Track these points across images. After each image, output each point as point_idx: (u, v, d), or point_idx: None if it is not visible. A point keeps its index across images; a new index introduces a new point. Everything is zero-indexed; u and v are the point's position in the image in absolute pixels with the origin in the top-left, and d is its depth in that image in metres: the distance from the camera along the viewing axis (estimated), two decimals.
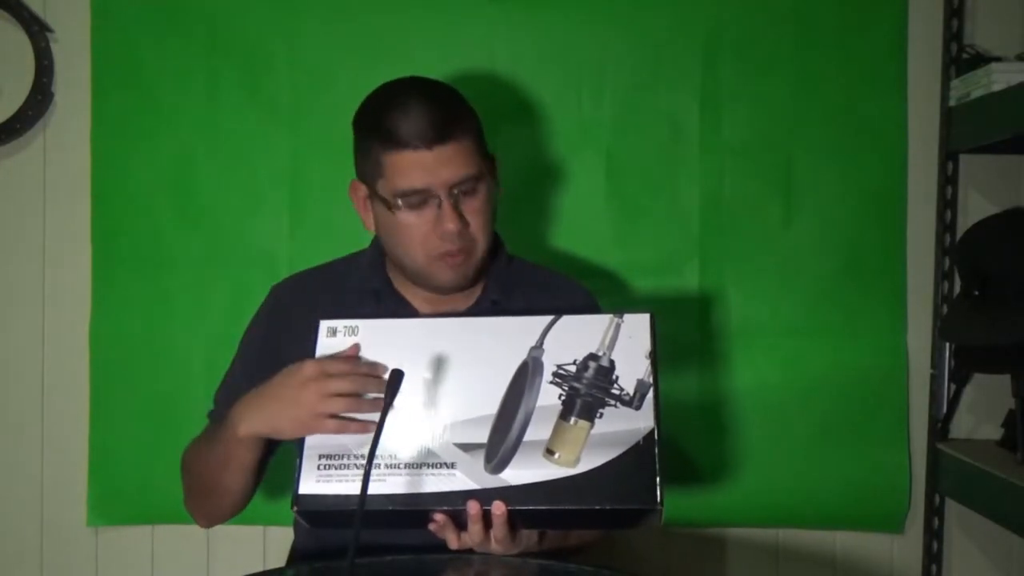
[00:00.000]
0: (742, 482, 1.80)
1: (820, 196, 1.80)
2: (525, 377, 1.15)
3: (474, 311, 1.35)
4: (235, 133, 1.79)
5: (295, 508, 1.11)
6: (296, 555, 1.47)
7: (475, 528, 1.10)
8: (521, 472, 1.09)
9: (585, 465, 1.09)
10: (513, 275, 1.39)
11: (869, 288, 1.81)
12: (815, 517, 1.83)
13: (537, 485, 1.09)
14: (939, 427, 1.82)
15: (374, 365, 1.16)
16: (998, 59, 1.69)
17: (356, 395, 1.14)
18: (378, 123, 1.26)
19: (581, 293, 1.42)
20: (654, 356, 1.16)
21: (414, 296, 1.36)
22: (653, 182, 1.80)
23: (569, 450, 1.10)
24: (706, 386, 1.80)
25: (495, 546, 1.13)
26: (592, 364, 1.16)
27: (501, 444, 1.11)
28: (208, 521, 1.41)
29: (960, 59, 1.78)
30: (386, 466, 1.10)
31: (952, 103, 1.77)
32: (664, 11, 1.78)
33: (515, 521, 1.11)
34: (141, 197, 1.80)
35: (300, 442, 1.13)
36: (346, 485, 1.10)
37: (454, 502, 1.09)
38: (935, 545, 1.83)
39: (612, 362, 1.16)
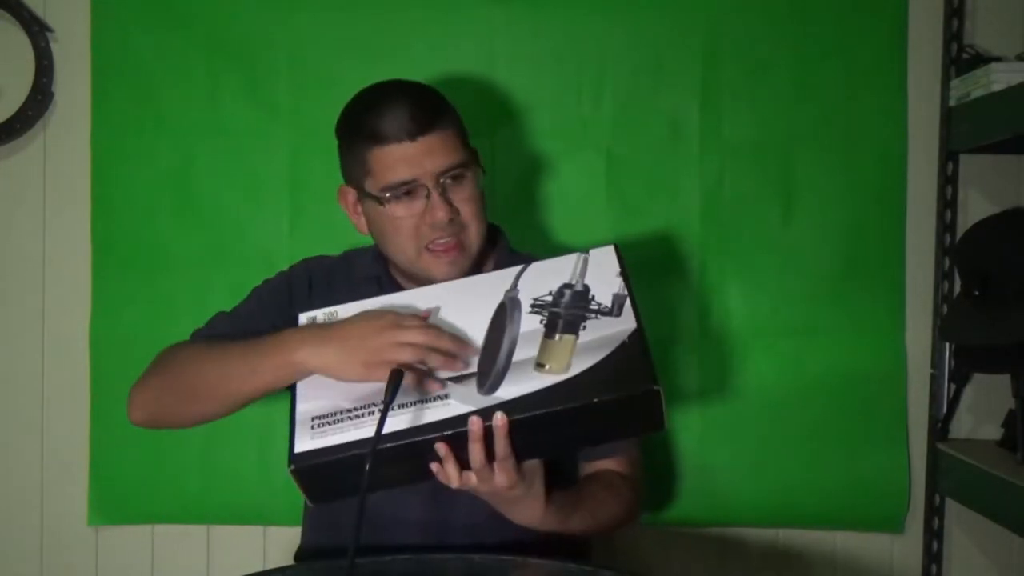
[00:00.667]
0: (742, 482, 1.80)
1: (820, 196, 1.80)
2: (505, 313, 1.18)
3: None
4: (235, 133, 1.79)
5: (291, 468, 1.09)
6: (304, 555, 1.46)
7: (475, 448, 1.08)
8: (515, 387, 1.09)
9: (576, 369, 1.10)
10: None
11: (869, 288, 1.81)
12: (815, 517, 1.83)
13: (532, 395, 1.08)
14: (939, 427, 1.82)
15: (453, 329, 1.17)
16: (998, 59, 1.69)
17: (425, 349, 1.13)
18: (360, 124, 1.31)
19: None
20: (625, 274, 1.19)
21: (411, 284, 1.37)
22: (653, 182, 1.80)
23: (558, 360, 1.11)
24: (706, 386, 1.80)
25: (498, 476, 1.11)
26: (567, 291, 1.19)
27: (491, 369, 1.12)
28: (150, 418, 1.35)
29: (960, 59, 1.78)
30: (379, 411, 1.09)
31: (952, 103, 1.77)
32: (664, 11, 1.78)
33: (516, 446, 1.09)
34: (141, 197, 1.80)
35: (291, 411, 1.14)
36: (342, 435, 1.09)
37: (452, 427, 1.08)
38: (935, 545, 1.83)
39: (586, 286, 1.19)
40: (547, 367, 1.11)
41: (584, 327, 1.14)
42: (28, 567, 1.85)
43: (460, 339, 1.16)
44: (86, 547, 1.85)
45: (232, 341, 1.28)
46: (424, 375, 1.12)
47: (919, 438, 1.83)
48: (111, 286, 1.81)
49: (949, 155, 1.80)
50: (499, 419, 1.06)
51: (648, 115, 1.79)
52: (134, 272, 1.80)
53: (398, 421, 1.09)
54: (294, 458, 1.09)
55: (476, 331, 1.17)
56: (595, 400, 1.07)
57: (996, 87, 1.62)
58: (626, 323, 1.13)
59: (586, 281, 1.19)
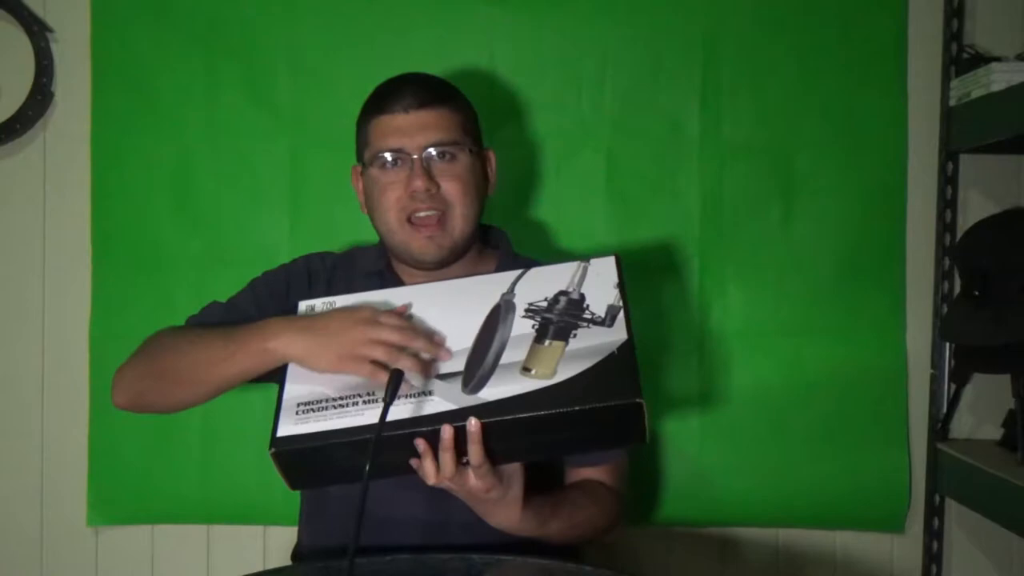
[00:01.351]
0: (742, 482, 1.80)
1: (820, 196, 1.80)
2: (498, 314, 1.18)
3: None
4: (235, 133, 1.79)
5: (272, 450, 1.09)
6: (300, 555, 1.47)
7: (445, 457, 1.08)
8: (497, 389, 1.09)
9: (562, 376, 1.10)
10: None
11: (869, 288, 1.81)
12: (815, 517, 1.83)
13: (514, 398, 1.08)
14: (939, 427, 1.82)
15: (429, 330, 1.18)
16: (998, 59, 1.69)
17: (399, 348, 1.14)
18: (369, 99, 1.38)
19: None
20: (622, 287, 1.19)
21: (412, 279, 1.39)
22: (653, 182, 1.80)
23: (545, 365, 1.11)
24: (706, 386, 1.80)
25: (473, 480, 1.12)
26: (563, 298, 1.19)
27: (477, 369, 1.12)
28: (131, 402, 1.35)
29: (960, 59, 1.78)
30: (364, 402, 1.10)
31: (952, 103, 1.77)
32: (664, 11, 1.78)
33: (493, 450, 1.09)
34: (141, 197, 1.80)
35: (279, 396, 1.15)
36: (325, 423, 1.09)
37: (432, 424, 1.08)
38: (935, 545, 1.83)
39: (582, 295, 1.19)
40: (533, 372, 1.11)
41: (575, 335, 1.14)
42: (28, 567, 1.85)
43: (435, 341, 1.16)
44: (86, 547, 1.85)
45: (215, 327, 1.29)
46: (385, 371, 1.13)
47: (919, 438, 1.83)
48: (111, 286, 1.81)
49: (949, 155, 1.80)
50: (472, 424, 1.07)
51: (648, 115, 1.79)
52: (134, 272, 1.80)
53: (378, 415, 1.08)
54: (275, 441, 1.10)
55: (469, 331, 1.17)
56: (576, 408, 1.06)
57: (996, 87, 1.62)
58: (617, 334, 1.13)
59: (583, 290, 1.19)
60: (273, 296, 1.41)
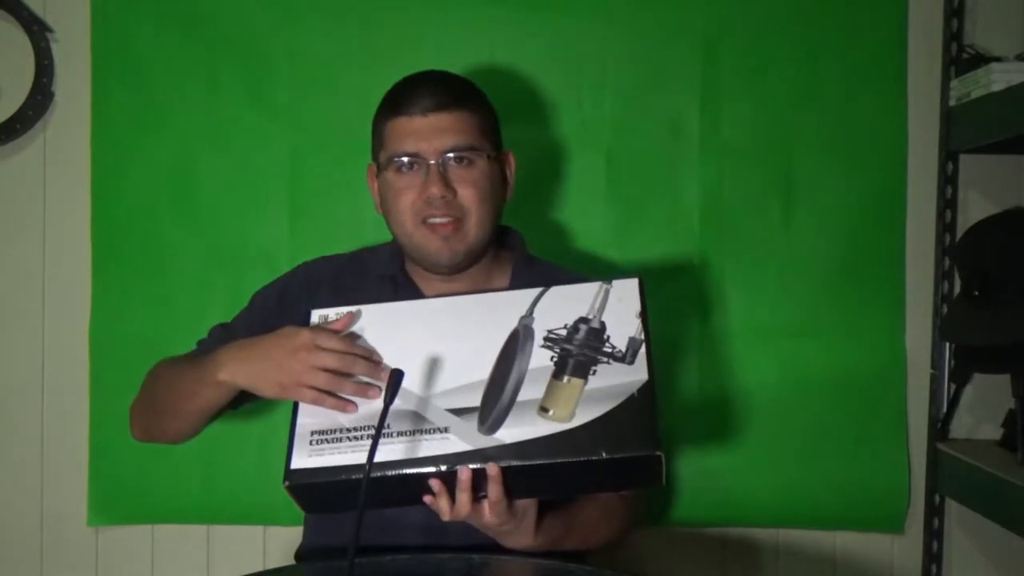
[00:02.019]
0: (742, 482, 1.80)
1: (820, 196, 1.80)
2: (516, 343, 1.16)
3: None
4: (235, 133, 1.79)
5: (286, 483, 1.09)
6: (304, 555, 1.46)
7: (463, 498, 1.08)
8: (515, 430, 1.08)
9: (580, 419, 1.08)
10: (535, 276, 1.38)
11: (869, 288, 1.81)
12: (815, 517, 1.83)
13: (532, 441, 1.07)
14: (939, 427, 1.82)
15: (371, 350, 1.17)
16: (998, 59, 1.69)
17: (342, 374, 1.14)
18: (386, 98, 1.35)
19: None
20: (644, 316, 1.16)
21: (427, 283, 1.38)
22: (653, 182, 1.80)
23: (563, 406, 1.09)
24: (706, 386, 1.80)
25: (489, 516, 1.11)
26: (583, 327, 1.16)
27: (494, 405, 1.11)
28: (144, 435, 1.41)
29: (960, 59, 1.78)
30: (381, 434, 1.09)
31: (952, 103, 1.77)
32: (664, 11, 1.78)
33: (510, 488, 1.09)
34: (141, 197, 1.80)
35: (292, 420, 1.14)
36: (339, 457, 1.09)
37: (448, 464, 1.07)
38: (935, 545, 1.83)
39: (603, 323, 1.16)
40: (551, 412, 1.09)
41: (594, 371, 1.12)
42: (28, 567, 1.85)
43: (374, 364, 1.15)
44: (86, 547, 1.85)
45: (195, 358, 1.30)
46: (332, 399, 1.14)
47: (919, 438, 1.83)
48: (111, 286, 1.81)
49: (949, 155, 1.80)
50: (492, 469, 1.06)
51: (648, 115, 1.79)
52: (134, 272, 1.80)
53: (395, 450, 1.08)
54: (289, 475, 1.09)
55: (485, 357, 1.15)
56: (594, 458, 1.05)
57: (996, 87, 1.62)
58: (638, 373, 1.11)
59: (604, 317, 1.16)
60: (265, 313, 1.40)
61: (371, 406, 1.11)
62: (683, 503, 1.80)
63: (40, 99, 1.80)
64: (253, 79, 1.79)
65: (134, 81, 1.79)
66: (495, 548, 1.23)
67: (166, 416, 1.34)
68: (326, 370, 1.14)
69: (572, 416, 1.08)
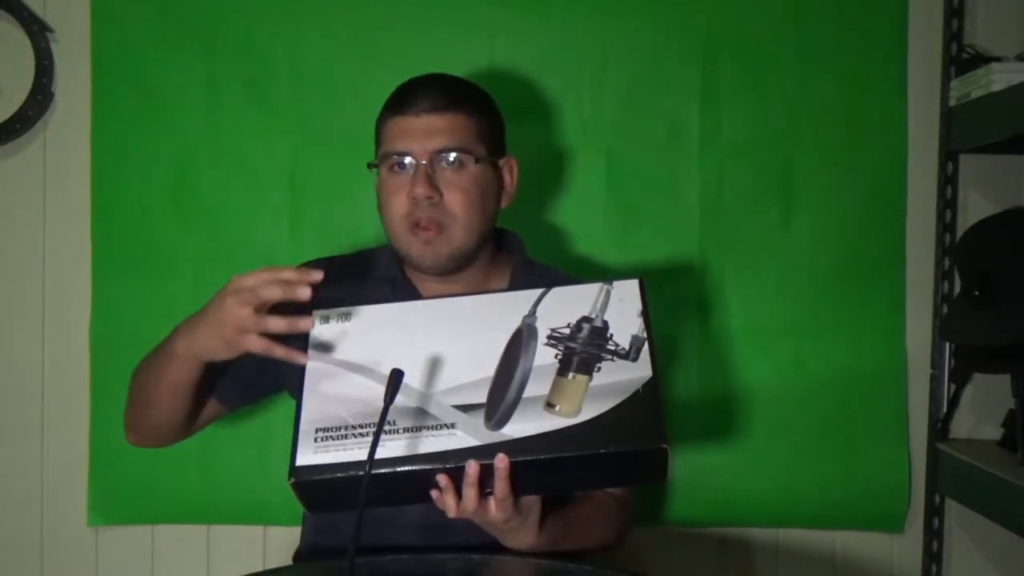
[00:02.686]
0: (742, 482, 1.80)
1: (820, 196, 1.80)
2: (520, 341, 1.16)
3: None
4: (235, 133, 1.79)
5: (291, 480, 1.09)
6: (303, 555, 1.46)
7: (469, 493, 1.08)
8: (522, 426, 1.08)
9: (586, 415, 1.08)
10: (534, 279, 1.38)
11: (869, 288, 1.81)
12: (815, 517, 1.83)
13: (539, 436, 1.07)
14: (939, 427, 1.82)
15: (305, 272, 1.15)
16: (998, 59, 1.69)
17: (264, 286, 1.12)
18: (390, 98, 1.35)
19: None
20: (646, 315, 1.17)
21: (425, 286, 1.38)
22: (653, 182, 1.80)
23: (569, 402, 1.10)
24: (706, 386, 1.80)
25: (495, 512, 1.11)
26: (586, 326, 1.17)
27: (500, 402, 1.11)
28: (135, 435, 1.42)
29: (960, 59, 1.78)
30: (385, 431, 1.08)
31: (952, 103, 1.77)
32: (664, 11, 1.78)
33: (517, 484, 1.09)
34: (141, 197, 1.80)
35: (296, 417, 1.13)
36: (344, 454, 1.08)
37: (455, 460, 1.07)
38: (935, 545, 1.83)
39: (605, 322, 1.17)
40: (557, 408, 1.10)
41: (599, 368, 1.12)
42: (28, 567, 1.85)
43: (308, 282, 1.14)
44: (86, 547, 1.85)
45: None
46: (288, 350, 1.13)
47: (919, 438, 1.83)
48: (111, 286, 1.81)
49: (949, 155, 1.80)
50: (500, 460, 1.06)
51: (648, 115, 1.79)
52: (134, 272, 1.80)
53: (401, 446, 1.08)
54: (295, 471, 1.09)
55: (490, 355, 1.15)
56: (601, 451, 1.06)
57: (996, 87, 1.62)
58: (641, 370, 1.12)
59: (606, 316, 1.17)
60: None
61: (376, 403, 1.11)
62: (683, 503, 1.81)
63: (40, 99, 1.80)
64: (253, 79, 1.79)
65: (134, 81, 1.79)
66: (495, 548, 1.23)
67: (145, 407, 1.33)
68: (267, 314, 1.13)
69: (578, 411, 1.09)
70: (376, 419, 1.07)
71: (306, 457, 1.09)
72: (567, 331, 1.16)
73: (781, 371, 1.80)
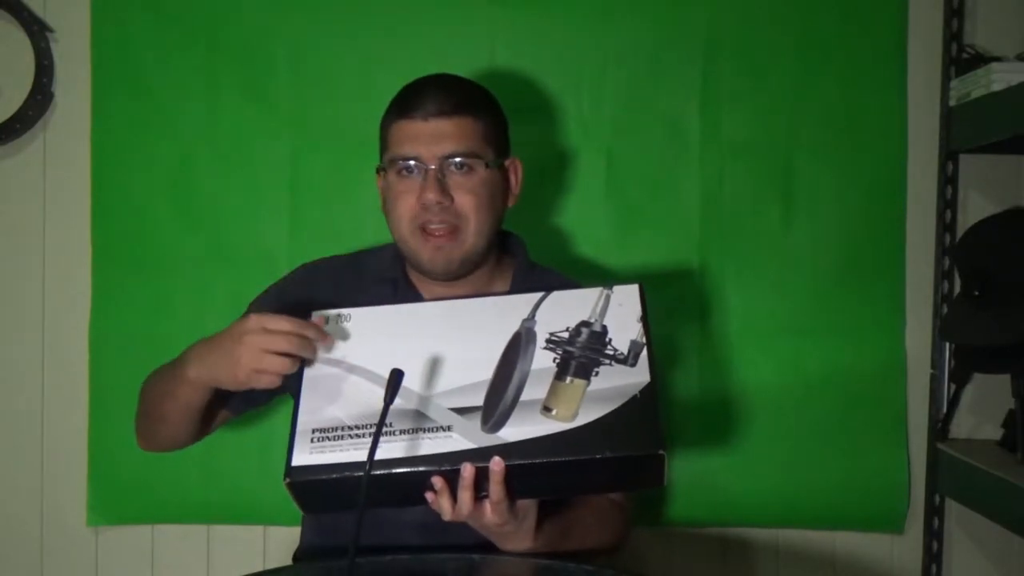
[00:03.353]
0: (742, 482, 1.80)
1: (820, 196, 1.80)
2: (519, 345, 1.16)
3: None
4: (235, 133, 1.79)
5: (287, 480, 1.09)
6: (303, 555, 1.46)
7: (464, 496, 1.08)
8: (518, 429, 1.08)
9: (583, 419, 1.08)
10: (535, 282, 1.38)
11: (869, 288, 1.81)
12: (815, 517, 1.83)
13: (535, 440, 1.07)
14: (939, 427, 1.82)
15: (320, 329, 1.17)
16: (998, 59, 1.69)
17: (292, 356, 1.13)
18: (395, 99, 1.34)
19: None
20: (645, 320, 1.17)
21: (427, 287, 1.37)
22: (653, 182, 1.80)
23: (566, 406, 1.10)
24: (706, 386, 1.80)
25: (490, 516, 1.11)
26: (585, 330, 1.17)
27: (497, 405, 1.11)
28: (146, 443, 1.43)
29: (960, 59, 1.78)
30: (382, 434, 1.08)
31: (952, 103, 1.77)
32: (664, 11, 1.78)
33: (512, 488, 1.09)
34: (141, 197, 1.80)
35: (293, 417, 1.13)
36: (340, 454, 1.08)
37: (451, 463, 1.07)
38: (935, 545, 1.83)
39: (604, 327, 1.17)
40: (554, 412, 1.09)
41: (597, 373, 1.12)
42: (28, 567, 1.85)
43: (322, 335, 1.16)
44: (86, 547, 1.85)
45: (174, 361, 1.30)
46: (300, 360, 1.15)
47: (919, 438, 1.83)
48: (111, 286, 1.81)
49: (949, 155, 1.80)
50: (496, 464, 1.06)
51: (648, 115, 1.79)
52: (134, 272, 1.80)
53: (397, 447, 1.08)
54: (290, 471, 1.09)
55: (488, 358, 1.15)
56: (598, 456, 1.06)
57: (996, 87, 1.62)
58: (640, 375, 1.11)
59: (605, 321, 1.17)
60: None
61: (373, 405, 1.11)
62: (683, 503, 1.81)
63: (40, 99, 1.80)
64: (253, 79, 1.79)
65: (134, 81, 1.79)
66: (495, 548, 1.23)
67: (157, 421, 1.34)
68: (280, 354, 1.13)
69: (575, 416, 1.09)
70: (373, 420, 1.07)
71: (302, 457, 1.09)
72: (566, 335, 1.16)
73: (781, 371, 1.80)
